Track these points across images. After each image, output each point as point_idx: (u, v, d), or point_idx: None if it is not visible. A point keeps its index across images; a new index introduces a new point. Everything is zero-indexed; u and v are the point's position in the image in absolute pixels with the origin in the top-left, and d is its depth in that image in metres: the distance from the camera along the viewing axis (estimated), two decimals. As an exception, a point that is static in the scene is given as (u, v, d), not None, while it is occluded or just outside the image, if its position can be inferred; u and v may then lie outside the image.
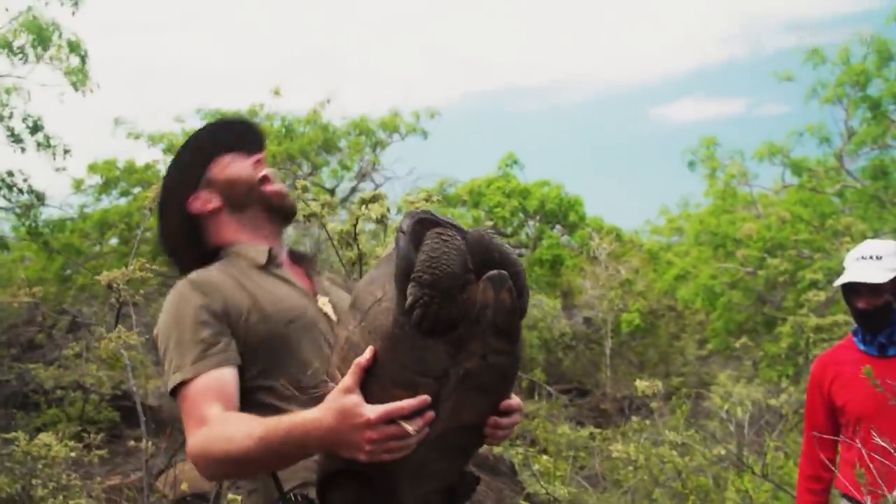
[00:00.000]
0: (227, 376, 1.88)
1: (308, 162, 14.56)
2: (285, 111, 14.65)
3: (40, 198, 10.79)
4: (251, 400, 1.92)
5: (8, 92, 9.86)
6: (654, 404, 7.70)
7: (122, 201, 13.74)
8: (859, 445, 2.83)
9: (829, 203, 13.63)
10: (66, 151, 10.14)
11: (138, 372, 7.72)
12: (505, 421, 1.75)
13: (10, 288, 10.43)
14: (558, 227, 16.34)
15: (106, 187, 13.75)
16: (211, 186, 2.15)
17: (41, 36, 9.41)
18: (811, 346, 9.19)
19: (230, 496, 4.00)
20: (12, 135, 9.89)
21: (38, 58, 9.67)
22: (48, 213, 12.26)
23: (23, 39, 9.54)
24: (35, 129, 9.91)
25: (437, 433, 1.64)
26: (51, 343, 10.49)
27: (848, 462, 3.10)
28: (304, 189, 4.92)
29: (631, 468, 6.59)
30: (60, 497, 4.95)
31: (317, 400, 1.67)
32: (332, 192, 14.04)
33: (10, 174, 10.25)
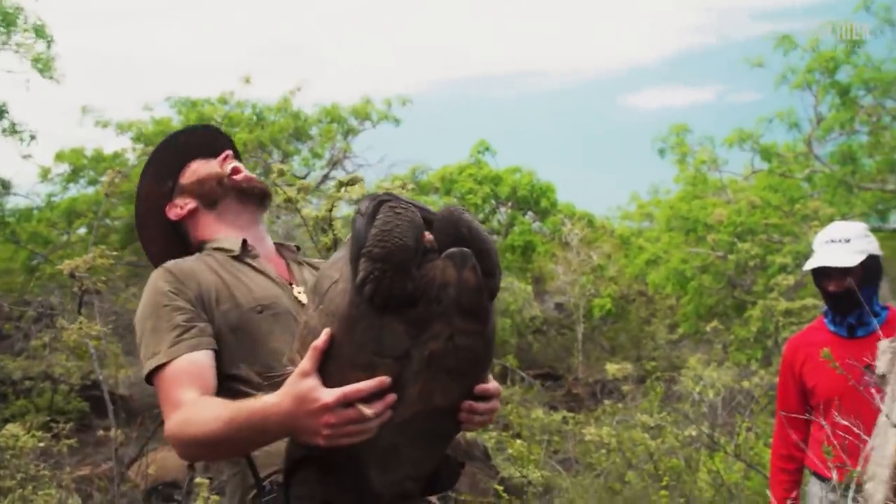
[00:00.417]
0: (201, 359, 1.88)
1: (279, 150, 14.44)
2: (256, 99, 14.52)
3: (6, 186, 10.65)
4: (224, 387, 1.91)
5: (-28, 78, 9.72)
6: (625, 388, 7.75)
7: (90, 190, 13.56)
8: (824, 424, 2.85)
9: (797, 188, 13.74)
10: (32, 137, 10.02)
11: (107, 361, 7.64)
12: (481, 406, 1.72)
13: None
14: (530, 213, 16.33)
15: (73, 176, 13.56)
16: (184, 192, 2.22)
17: (6, 19, 9.25)
18: (780, 329, 9.28)
19: (198, 479, 3.98)
20: (-24, 121, 9.75)
21: (4, 43, 9.52)
22: (14, 201, 12.13)
23: (-13, 22, 9.39)
24: (0, 114, 9.77)
25: (404, 417, 1.60)
26: (18, 333, 10.36)
27: (819, 442, 3.12)
28: (281, 173, 4.88)
29: (604, 451, 6.64)
30: (29, 487, 4.90)
31: (278, 386, 1.65)
32: (303, 179, 13.94)
33: (-25, 162, 10.11)
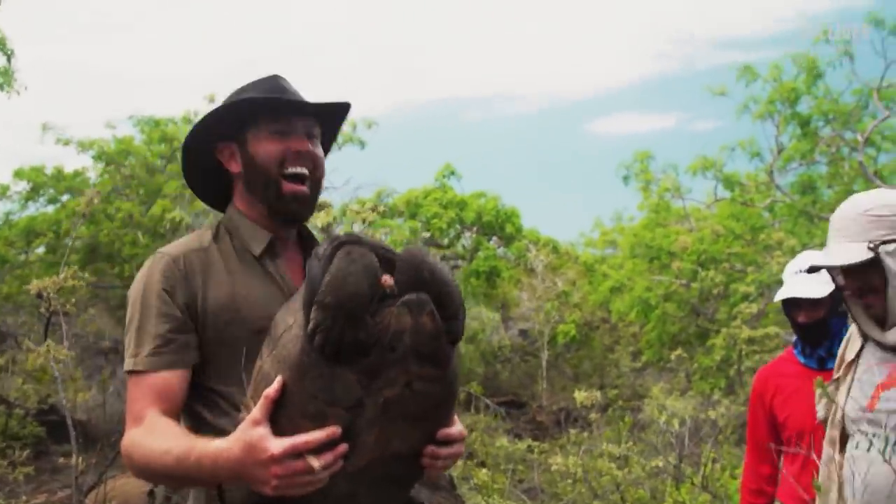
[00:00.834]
0: (172, 381, 1.85)
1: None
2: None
3: (-36, 204, 10.44)
4: (207, 399, 1.89)
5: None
6: (592, 416, 7.73)
7: (50, 209, 13.35)
8: (795, 453, 2.84)
9: (759, 217, 13.90)
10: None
11: (67, 385, 7.48)
12: (444, 451, 1.71)
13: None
14: (495, 238, 16.33)
15: (33, 194, 13.34)
16: (242, 148, 2.01)
17: (-37, 30, 9.09)
18: (744, 357, 9.36)
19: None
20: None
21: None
22: (-28, 219, 11.89)
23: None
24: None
25: (360, 465, 1.59)
26: (-27, 355, 10.11)
27: (791, 476, 3.12)
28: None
29: (570, 481, 6.60)
30: (-17, 517, 4.77)
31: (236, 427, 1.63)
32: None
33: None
